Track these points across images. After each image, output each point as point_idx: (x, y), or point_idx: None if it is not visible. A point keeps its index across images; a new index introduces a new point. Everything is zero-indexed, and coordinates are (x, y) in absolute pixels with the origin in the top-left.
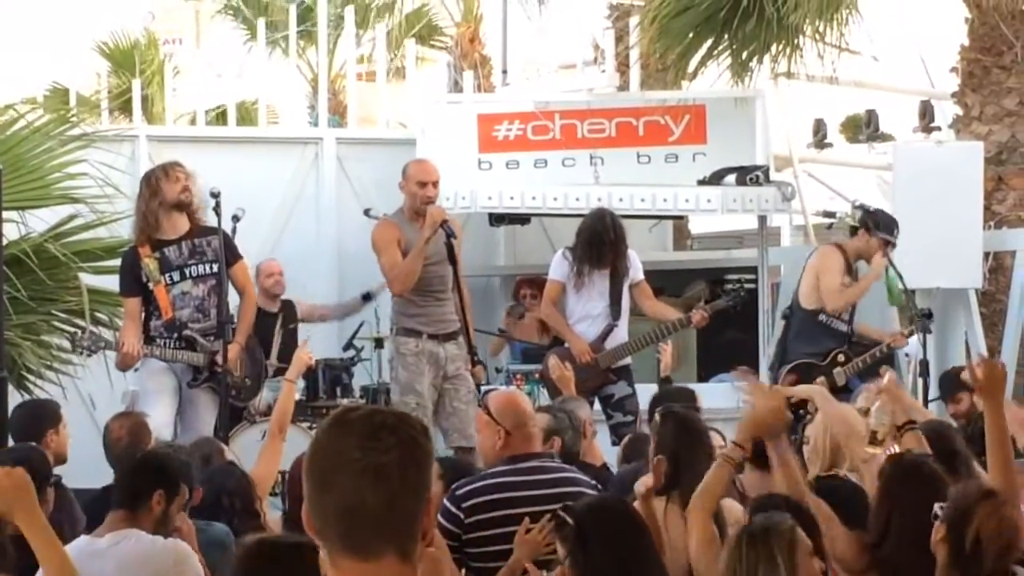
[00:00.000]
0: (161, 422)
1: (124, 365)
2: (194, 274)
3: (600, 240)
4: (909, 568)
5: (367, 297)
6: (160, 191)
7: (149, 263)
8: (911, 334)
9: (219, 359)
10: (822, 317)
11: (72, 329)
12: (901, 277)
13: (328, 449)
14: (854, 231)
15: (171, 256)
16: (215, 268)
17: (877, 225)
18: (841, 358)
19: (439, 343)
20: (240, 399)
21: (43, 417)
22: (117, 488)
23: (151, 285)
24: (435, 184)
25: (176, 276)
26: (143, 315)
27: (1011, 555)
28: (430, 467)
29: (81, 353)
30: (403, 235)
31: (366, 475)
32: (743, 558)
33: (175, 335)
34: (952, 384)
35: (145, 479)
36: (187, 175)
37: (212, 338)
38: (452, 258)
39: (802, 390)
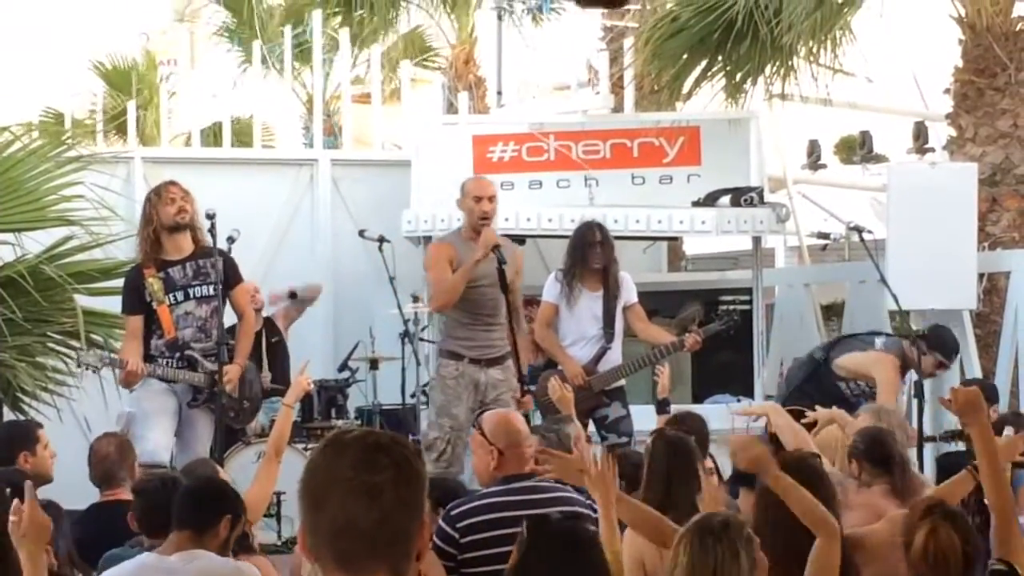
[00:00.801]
0: (160, 444)
1: (128, 382)
2: (198, 295)
3: (585, 242)
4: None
5: (292, 295)
6: (154, 216)
7: (153, 283)
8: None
9: (227, 369)
10: (841, 385)
11: (66, 350)
12: (896, 299)
13: (322, 469)
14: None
15: (175, 276)
16: (217, 290)
17: (936, 345)
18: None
19: (481, 368)
20: (238, 420)
21: (15, 439)
22: (184, 509)
23: (154, 305)
24: (491, 199)
25: (180, 296)
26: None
27: (952, 572)
28: (423, 488)
29: (87, 369)
30: (457, 254)
31: (359, 494)
32: (708, 552)
33: (177, 355)
34: None
35: (217, 503)
36: (183, 195)
37: (213, 359)
38: (504, 285)
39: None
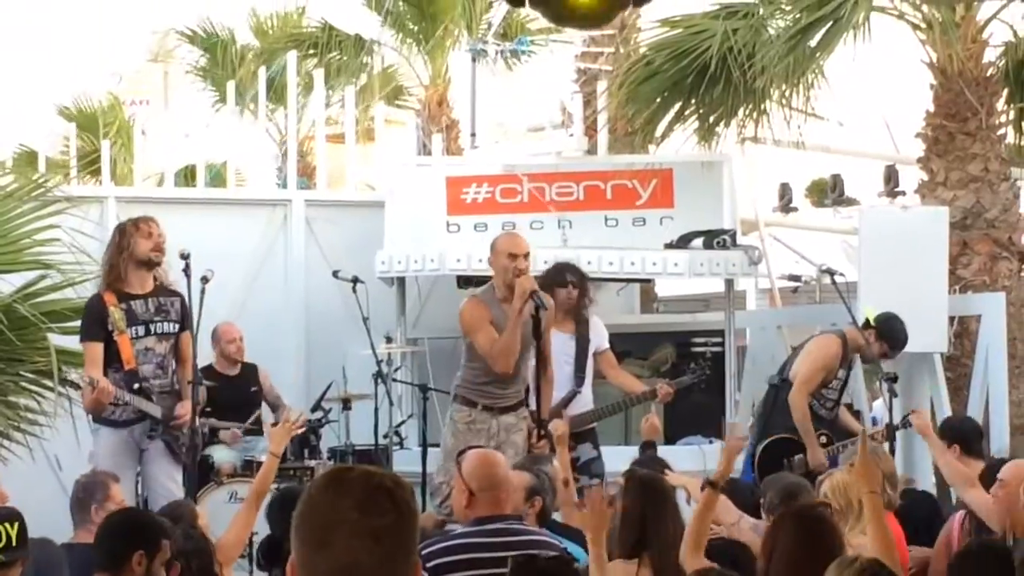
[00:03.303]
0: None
1: (98, 404)
2: (159, 331)
3: (556, 283)
4: None
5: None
6: (129, 245)
7: (115, 312)
8: (885, 437)
9: (178, 407)
10: (808, 399)
11: (39, 389)
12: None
13: (324, 508)
14: (867, 326)
15: (137, 310)
16: (177, 328)
17: (885, 335)
18: (823, 440)
19: (494, 415)
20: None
21: None
22: (97, 551)
23: (115, 335)
24: (526, 256)
25: (141, 331)
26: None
27: None
28: (419, 529)
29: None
30: (491, 315)
31: (363, 536)
32: None
33: (135, 386)
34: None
35: (124, 540)
36: (160, 233)
37: (167, 395)
38: (537, 332)
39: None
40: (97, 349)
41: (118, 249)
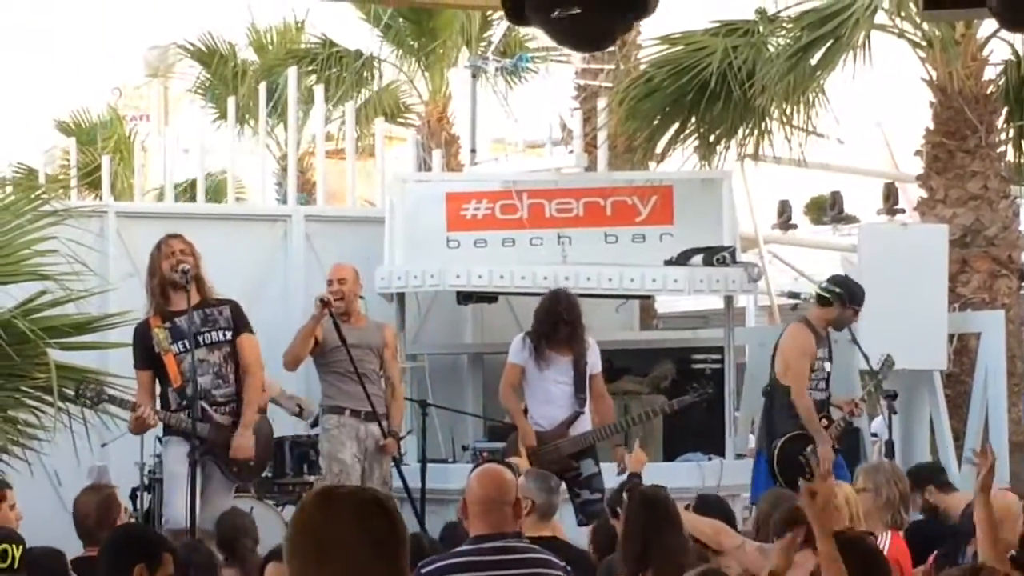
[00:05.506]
0: (183, 509)
1: (138, 429)
2: (208, 341)
3: (555, 317)
4: None
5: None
6: (157, 269)
7: (159, 332)
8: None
9: (233, 440)
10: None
11: (39, 404)
12: (867, 358)
13: (322, 525)
14: (824, 301)
15: (182, 325)
16: (228, 335)
17: (849, 298)
18: (824, 423)
19: (360, 420)
20: (241, 477)
21: None
22: (99, 564)
23: (162, 355)
24: (340, 281)
25: (189, 344)
26: (158, 386)
27: None
28: (409, 540)
29: (85, 404)
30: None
31: (366, 549)
32: None
33: (185, 402)
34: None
35: (123, 553)
36: (182, 249)
37: (224, 408)
38: (340, 335)
39: None
40: (143, 377)
41: (150, 274)
